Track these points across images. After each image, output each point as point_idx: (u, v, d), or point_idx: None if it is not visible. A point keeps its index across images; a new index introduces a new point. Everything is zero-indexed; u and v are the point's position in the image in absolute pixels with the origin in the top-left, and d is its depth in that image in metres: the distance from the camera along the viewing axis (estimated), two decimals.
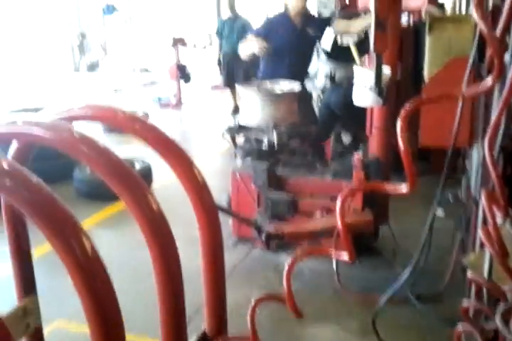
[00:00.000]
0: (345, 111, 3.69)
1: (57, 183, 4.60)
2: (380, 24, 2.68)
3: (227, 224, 3.65)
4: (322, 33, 4.11)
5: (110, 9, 14.19)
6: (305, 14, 4.20)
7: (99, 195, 4.26)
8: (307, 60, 4.04)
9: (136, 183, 1.13)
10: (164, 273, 1.21)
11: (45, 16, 13.78)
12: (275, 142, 3.47)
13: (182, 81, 9.03)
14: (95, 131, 6.46)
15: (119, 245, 3.69)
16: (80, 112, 1.36)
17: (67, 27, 14.20)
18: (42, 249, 2.87)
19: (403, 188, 0.98)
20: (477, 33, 1.86)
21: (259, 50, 4.00)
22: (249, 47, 4.09)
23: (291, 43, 4.14)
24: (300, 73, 3.99)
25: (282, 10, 4.36)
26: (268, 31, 4.17)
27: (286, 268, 1.39)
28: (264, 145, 3.48)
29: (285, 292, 1.50)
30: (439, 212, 3.47)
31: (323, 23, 4.24)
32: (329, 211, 3.20)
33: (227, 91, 8.75)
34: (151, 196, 1.15)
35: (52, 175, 4.58)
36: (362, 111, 3.29)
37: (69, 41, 14.26)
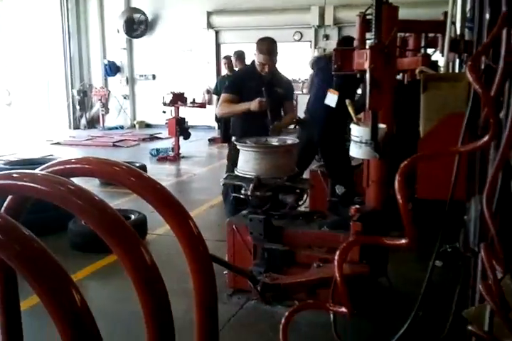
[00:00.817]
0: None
1: (52, 235, 4.58)
2: (375, 84, 2.77)
3: (222, 275, 3.60)
4: (287, 92, 4.22)
5: (113, 69, 14.56)
6: (273, 72, 4.18)
7: (94, 246, 4.21)
8: (276, 115, 4.07)
9: (128, 236, 1.11)
10: (156, 327, 1.18)
11: (47, 72, 14.18)
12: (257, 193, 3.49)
13: (181, 137, 9.19)
14: (91, 183, 6.49)
15: (111, 298, 3.62)
16: (76, 165, 1.37)
17: (68, 84, 14.53)
18: (30, 301, 2.81)
19: (402, 242, 0.98)
20: (471, 93, 1.91)
21: (260, 105, 3.89)
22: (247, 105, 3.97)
23: (260, 96, 4.01)
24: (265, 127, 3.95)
25: (250, 64, 4.31)
26: (239, 85, 4.12)
27: (282, 322, 1.35)
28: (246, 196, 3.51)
29: None
30: (437, 262, 3.45)
31: (290, 84, 4.38)
32: (326, 262, 3.16)
33: (225, 145, 8.88)
34: (144, 249, 1.13)
35: (48, 226, 4.59)
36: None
37: (69, 99, 14.53)
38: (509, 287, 1.02)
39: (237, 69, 8.65)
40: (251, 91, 4.03)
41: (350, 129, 3.11)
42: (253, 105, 3.89)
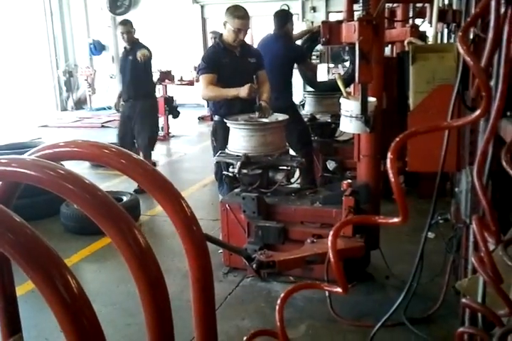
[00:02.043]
0: None
1: (45, 219, 4.58)
2: (364, 56, 2.75)
3: (217, 254, 3.63)
4: (259, 61, 4.14)
5: (98, 48, 14.32)
6: (243, 44, 4.10)
7: (86, 229, 4.22)
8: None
9: (121, 219, 1.11)
10: (152, 307, 1.18)
11: (31, 53, 13.92)
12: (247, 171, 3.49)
13: (170, 116, 9.10)
14: (82, 165, 6.45)
15: (107, 280, 3.64)
16: (65, 149, 1.35)
17: (53, 65, 14.28)
18: (26, 286, 2.83)
19: (395, 220, 0.98)
20: (461, 64, 1.90)
21: (250, 92, 3.72)
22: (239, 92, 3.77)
23: (237, 71, 3.94)
24: (250, 103, 3.83)
25: (214, 42, 4.19)
26: (216, 63, 3.96)
27: (278, 304, 1.36)
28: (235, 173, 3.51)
29: (278, 325, 1.47)
30: (429, 233, 3.49)
31: (259, 53, 4.28)
32: (320, 238, 3.18)
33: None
34: (137, 231, 1.13)
35: (40, 211, 4.59)
36: None
37: (55, 80, 14.31)
38: (501, 258, 1.03)
39: None
40: (227, 68, 3.94)
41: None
42: (243, 92, 3.72)
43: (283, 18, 4.99)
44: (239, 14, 3.90)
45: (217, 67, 3.94)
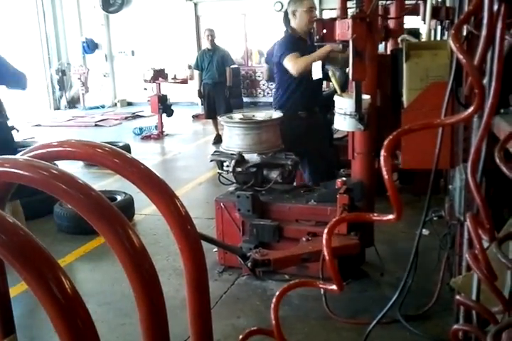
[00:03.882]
0: None
1: (39, 219, 4.56)
2: (358, 53, 2.75)
3: (212, 253, 3.62)
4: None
5: (91, 47, 14.26)
6: (311, 32, 4.19)
7: (80, 229, 4.20)
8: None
9: (114, 218, 1.10)
10: (147, 307, 1.18)
11: (23, 52, 13.83)
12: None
13: (164, 114, 9.08)
14: (76, 165, 6.43)
15: (101, 279, 3.62)
16: (58, 149, 1.34)
17: (46, 64, 14.19)
18: (20, 287, 2.81)
19: (390, 218, 0.98)
20: (454, 61, 1.90)
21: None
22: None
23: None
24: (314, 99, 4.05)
25: (286, 33, 4.29)
26: (294, 47, 4.06)
27: (273, 302, 1.36)
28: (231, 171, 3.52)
29: (273, 324, 1.47)
30: (424, 230, 3.50)
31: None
32: (315, 235, 3.19)
33: (209, 121, 8.83)
34: (131, 230, 1.12)
35: (34, 210, 4.57)
36: None
37: (48, 78, 14.22)
38: (495, 255, 1.03)
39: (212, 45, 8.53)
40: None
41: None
42: (324, 49, 3.84)
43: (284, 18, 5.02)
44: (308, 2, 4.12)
45: (299, 51, 4.01)
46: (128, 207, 4.65)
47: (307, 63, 3.97)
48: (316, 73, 3.92)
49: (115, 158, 1.33)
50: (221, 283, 3.43)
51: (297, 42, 4.13)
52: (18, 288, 2.81)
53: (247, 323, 2.94)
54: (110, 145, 1.37)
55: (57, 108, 14.25)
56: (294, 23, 4.16)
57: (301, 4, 4.09)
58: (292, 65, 4.00)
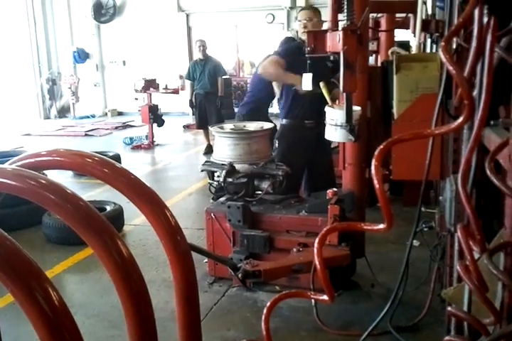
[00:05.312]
0: None
1: (27, 229, 4.51)
2: (348, 65, 2.77)
3: (202, 264, 3.60)
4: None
5: (82, 56, 14.25)
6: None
7: (69, 240, 4.16)
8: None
9: (103, 229, 1.09)
10: (136, 319, 1.16)
11: (14, 61, 13.79)
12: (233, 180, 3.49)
13: (155, 124, 9.07)
14: (65, 174, 6.38)
15: (90, 291, 3.58)
16: (47, 158, 1.33)
17: (36, 73, 14.15)
18: (6, 299, 2.77)
19: (380, 227, 0.98)
20: (444, 73, 1.92)
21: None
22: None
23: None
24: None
25: (293, 39, 4.35)
26: (289, 55, 4.01)
27: (264, 313, 1.35)
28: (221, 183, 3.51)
29: (264, 335, 1.46)
30: (414, 241, 3.51)
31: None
32: (305, 246, 3.18)
33: (200, 131, 8.83)
34: (120, 241, 1.11)
35: (22, 220, 4.52)
36: None
37: (38, 88, 14.18)
38: (486, 266, 1.03)
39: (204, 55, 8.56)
40: (299, 67, 3.74)
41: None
42: (303, 85, 3.55)
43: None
44: (302, 7, 4.42)
45: (292, 61, 3.93)
46: (117, 217, 4.61)
47: (276, 74, 4.02)
48: (306, 85, 3.93)
49: (104, 168, 1.32)
50: (211, 294, 3.40)
51: (294, 51, 4.04)
52: (4, 300, 2.77)
53: (238, 335, 2.91)
54: (100, 155, 1.36)
55: (47, 117, 14.20)
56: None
57: (299, 14, 4.21)
58: (266, 64, 4.06)
